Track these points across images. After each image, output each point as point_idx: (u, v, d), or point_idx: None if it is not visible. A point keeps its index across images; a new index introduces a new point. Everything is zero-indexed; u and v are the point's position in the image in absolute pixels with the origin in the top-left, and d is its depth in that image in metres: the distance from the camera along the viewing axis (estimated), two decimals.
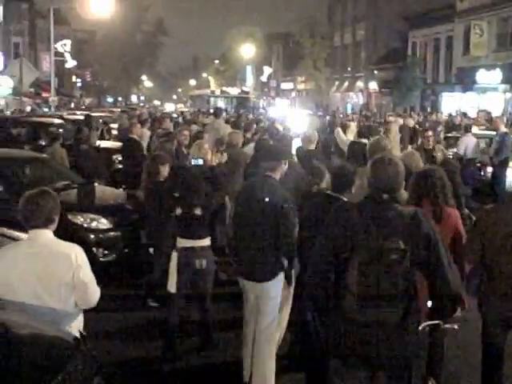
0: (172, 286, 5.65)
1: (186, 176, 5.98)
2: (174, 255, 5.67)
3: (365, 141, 11.72)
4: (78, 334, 3.59)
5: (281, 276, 4.83)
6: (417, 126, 19.67)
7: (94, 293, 3.73)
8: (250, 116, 27.09)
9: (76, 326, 3.72)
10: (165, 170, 6.91)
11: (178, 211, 5.70)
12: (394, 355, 3.14)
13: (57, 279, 3.56)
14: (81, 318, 3.83)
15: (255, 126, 13.84)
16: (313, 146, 8.19)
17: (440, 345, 4.78)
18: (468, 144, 13.23)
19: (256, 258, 4.78)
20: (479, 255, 4.43)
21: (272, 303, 4.86)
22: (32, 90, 37.96)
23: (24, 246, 3.70)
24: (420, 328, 3.35)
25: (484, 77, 32.21)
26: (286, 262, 4.85)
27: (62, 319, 3.63)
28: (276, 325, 4.93)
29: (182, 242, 5.68)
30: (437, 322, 3.35)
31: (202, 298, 5.93)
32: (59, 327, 3.59)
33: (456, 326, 3.41)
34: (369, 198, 3.33)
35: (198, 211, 5.64)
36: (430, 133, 10.26)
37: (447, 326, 3.37)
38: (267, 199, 4.72)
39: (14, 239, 5.87)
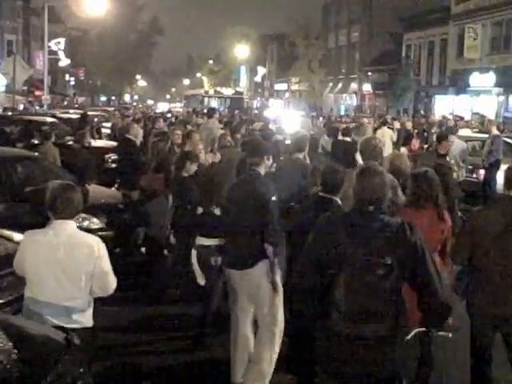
0: (201, 280, 5.87)
1: (206, 177, 6.25)
2: (194, 253, 5.86)
3: (348, 139, 11.93)
4: (89, 325, 3.95)
5: (263, 263, 4.90)
6: (410, 129, 19.78)
7: (112, 282, 4.00)
8: (244, 117, 27.06)
9: (88, 317, 3.96)
10: (190, 168, 6.95)
11: (199, 210, 5.92)
12: (382, 369, 3.11)
13: (79, 267, 3.81)
14: (91, 310, 4.03)
15: (250, 126, 13.87)
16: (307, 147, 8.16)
17: (428, 351, 4.79)
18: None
19: (239, 247, 4.96)
20: (468, 256, 4.44)
21: (260, 291, 4.93)
22: (25, 88, 37.85)
23: (50, 234, 3.87)
24: (410, 336, 3.33)
25: (477, 80, 32.30)
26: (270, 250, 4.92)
27: (73, 311, 3.86)
28: (275, 313, 4.99)
29: (201, 240, 5.84)
30: (424, 329, 3.33)
31: (209, 293, 6.04)
32: (71, 318, 3.83)
33: (450, 335, 3.38)
34: (355, 209, 3.29)
35: (217, 211, 5.80)
36: (449, 139, 9.73)
37: (441, 333, 3.34)
38: (250, 192, 4.92)
39: (5, 238, 5.86)
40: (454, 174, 8.85)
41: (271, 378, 5.09)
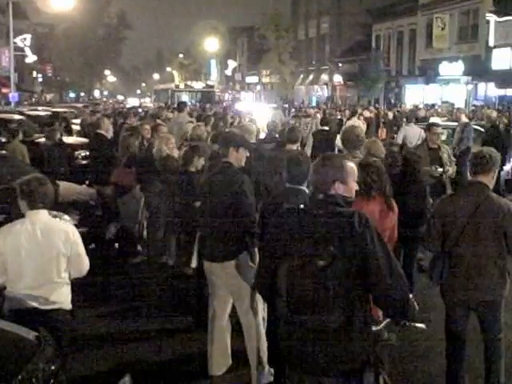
0: (194, 263, 6.04)
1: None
2: (198, 235, 5.97)
3: (326, 128, 12.20)
4: (68, 307, 4.21)
5: (244, 255, 4.92)
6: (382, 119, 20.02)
7: (86, 264, 4.32)
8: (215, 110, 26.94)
9: (66, 300, 4.22)
10: (198, 162, 6.92)
11: (197, 203, 5.95)
12: (339, 362, 3.01)
13: (56, 250, 4.09)
14: (69, 293, 4.29)
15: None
16: (253, 138, 8.02)
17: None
18: (407, 133, 13.34)
19: (218, 240, 4.95)
20: (440, 243, 4.50)
21: (242, 283, 4.92)
22: None
23: (26, 224, 4.12)
24: (380, 327, 3.29)
25: (446, 69, 32.70)
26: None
27: (53, 294, 4.12)
28: (254, 302, 4.98)
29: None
30: (387, 321, 3.29)
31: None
32: (49, 300, 4.07)
33: (424, 327, 3.34)
34: (309, 199, 3.23)
35: None
36: (440, 129, 8.48)
37: (417, 325, 3.29)
38: (225, 183, 4.92)
39: None
40: (450, 170, 7.98)
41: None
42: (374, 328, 3.22)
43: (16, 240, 4.06)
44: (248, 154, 5.30)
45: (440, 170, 7.57)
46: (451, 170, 7.88)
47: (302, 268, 2.95)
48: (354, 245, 2.96)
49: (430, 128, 8.43)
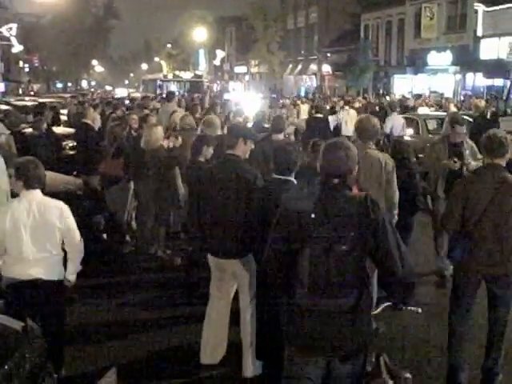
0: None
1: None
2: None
3: (320, 115, 12.40)
4: (62, 277, 4.56)
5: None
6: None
7: (78, 237, 4.67)
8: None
9: (60, 270, 4.60)
10: (208, 152, 6.81)
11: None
12: (348, 342, 3.12)
13: (52, 224, 4.46)
14: (62, 264, 4.66)
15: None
16: (218, 131, 7.90)
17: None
18: (394, 123, 13.40)
19: (231, 235, 4.81)
20: (460, 224, 4.54)
21: (252, 277, 4.89)
22: None
23: (23, 202, 4.46)
24: (377, 310, 3.34)
25: (435, 59, 32.76)
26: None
27: (49, 264, 4.49)
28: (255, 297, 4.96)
29: None
30: (392, 304, 3.36)
31: None
32: (50, 271, 4.45)
33: (419, 310, 3.41)
34: (320, 184, 3.26)
35: None
36: (463, 129, 7.34)
37: (412, 308, 3.36)
38: (235, 176, 4.78)
39: None
40: (473, 163, 7.07)
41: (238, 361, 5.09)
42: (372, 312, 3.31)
43: (15, 216, 4.37)
44: (253, 147, 5.21)
45: (458, 163, 7.22)
46: (473, 163, 7.33)
47: (324, 253, 3.05)
48: (369, 229, 3.09)
49: (452, 126, 7.33)
